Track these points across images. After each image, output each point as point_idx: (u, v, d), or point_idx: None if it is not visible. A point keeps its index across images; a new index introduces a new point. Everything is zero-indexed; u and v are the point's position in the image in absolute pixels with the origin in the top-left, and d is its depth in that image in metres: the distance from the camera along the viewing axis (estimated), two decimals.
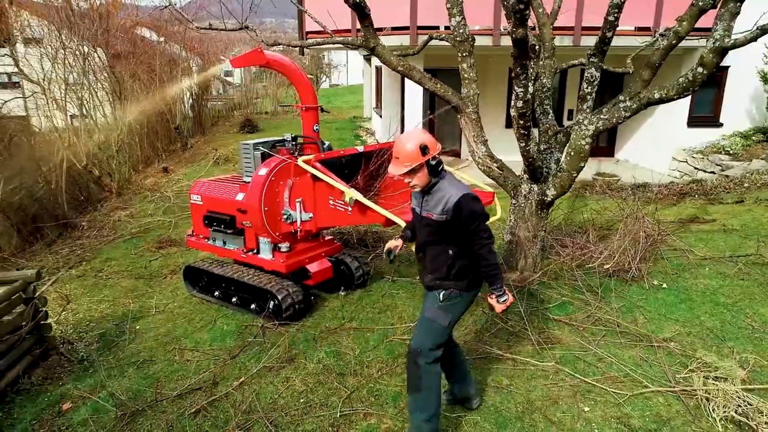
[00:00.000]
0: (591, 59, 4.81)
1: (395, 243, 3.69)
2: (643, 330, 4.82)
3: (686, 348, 4.49)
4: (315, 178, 4.71)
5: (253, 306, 5.28)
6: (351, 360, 4.44)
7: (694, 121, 11.66)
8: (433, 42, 5.97)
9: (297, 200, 4.98)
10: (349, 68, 48.81)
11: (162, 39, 19.31)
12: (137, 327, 5.24)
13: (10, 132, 8.95)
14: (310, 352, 4.58)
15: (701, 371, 4.08)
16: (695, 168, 11.04)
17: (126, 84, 14.68)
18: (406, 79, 11.49)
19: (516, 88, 4.49)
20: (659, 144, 11.99)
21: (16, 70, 14.14)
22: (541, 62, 5.76)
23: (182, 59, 19.22)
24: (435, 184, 3.19)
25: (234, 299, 5.45)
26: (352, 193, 4.20)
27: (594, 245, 6.16)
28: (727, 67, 11.36)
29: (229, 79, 36.22)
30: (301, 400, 3.95)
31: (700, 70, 4.26)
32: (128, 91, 14.65)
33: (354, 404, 3.89)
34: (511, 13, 4.76)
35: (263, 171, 5.11)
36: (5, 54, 10.81)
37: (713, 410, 3.68)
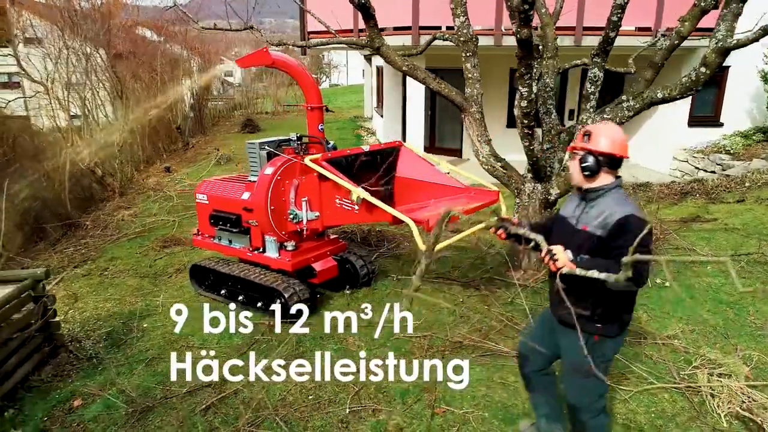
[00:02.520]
0: (594, 59, 4.86)
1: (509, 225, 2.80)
2: (647, 327, 4.86)
3: (690, 345, 4.54)
4: (321, 177, 4.75)
5: (259, 304, 5.31)
6: (357, 357, 4.47)
7: (694, 121, 11.70)
8: (436, 42, 6.02)
9: (303, 199, 5.02)
10: (349, 68, 48.90)
11: (161, 39, 19.36)
12: (145, 325, 5.27)
13: (14, 132, 8.96)
14: (319, 350, 4.61)
15: (705, 368, 4.13)
16: (696, 168, 11.08)
17: (127, 84, 14.73)
18: (407, 79, 11.58)
19: (520, 87, 4.53)
20: (659, 144, 12.03)
21: (16, 69, 14.25)
22: (544, 62, 5.80)
23: (183, 59, 19.29)
24: (601, 192, 2.70)
25: (240, 297, 5.48)
26: (359, 192, 4.24)
27: None
28: (727, 67, 11.40)
29: (229, 79, 36.32)
30: (310, 397, 4.00)
31: (703, 69, 4.31)
32: (129, 91, 14.69)
33: (362, 401, 3.93)
34: (515, 14, 4.81)
35: (269, 170, 5.15)
36: (9, 54, 10.83)
37: (718, 406, 3.73)
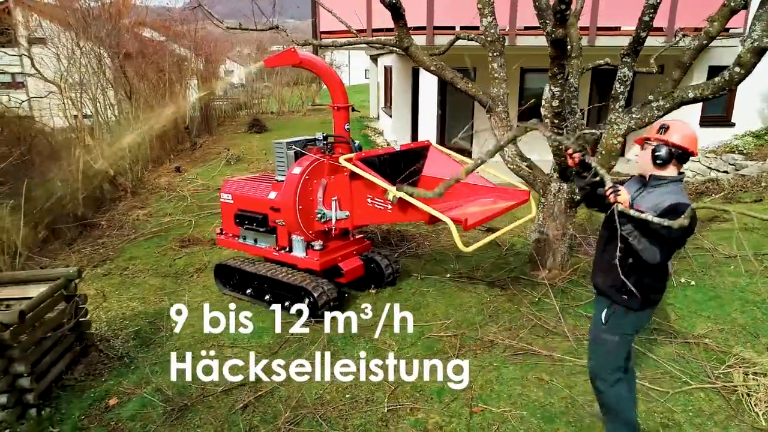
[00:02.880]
0: (624, 59, 4.87)
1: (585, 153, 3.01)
2: (676, 326, 4.88)
3: (721, 344, 4.55)
4: (352, 176, 4.76)
5: (287, 303, 5.32)
6: (390, 356, 4.48)
7: (706, 121, 11.73)
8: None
9: (333, 199, 5.02)
10: (351, 68, 48.86)
11: (164, 38, 19.31)
12: (172, 324, 5.26)
13: (31, 132, 8.97)
14: (350, 349, 4.63)
15: (740, 367, 4.14)
16: (708, 167, 11.10)
17: (135, 84, 14.72)
18: (420, 79, 11.60)
19: (552, 87, 4.54)
20: None
21: (20, 69, 14.24)
22: (568, 62, 5.80)
23: (189, 60, 19.26)
24: (661, 183, 2.91)
25: (267, 297, 5.49)
26: (395, 192, 4.25)
27: None
28: None
29: (230, 78, 36.29)
30: (347, 396, 4.00)
31: (737, 69, 4.32)
32: (138, 92, 14.69)
33: (399, 399, 3.94)
34: (543, 13, 4.82)
35: (297, 170, 5.16)
36: (22, 54, 10.83)
37: (755, 405, 3.74)
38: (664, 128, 2.92)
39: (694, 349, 4.49)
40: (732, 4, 4.62)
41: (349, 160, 4.55)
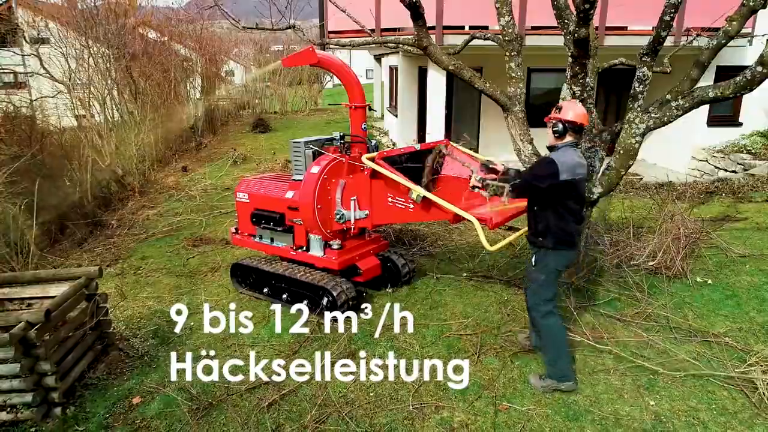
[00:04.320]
0: (643, 58, 4.87)
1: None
2: (695, 324, 4.89)
3: (741, 342, 4.56)
4: (373, 175, 4.76)
5: (305, 302, 5.32)
6: (412, 355, 4.50)
7: (713, 121, 11.72)
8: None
9: (352, 198, 5.03)
10: (352, 67, 48.83)
11: (167, 39, 19.30)
12: (191, 323, 5.28)
13: (42, 132, 8.98)
14: (371, 347, 4.64)
15: (760, 365, 4.15)
16: (716, 167, 11.11)
17: (141, 85, 14.73)
18: (428, 78, 11.61)
19: (573, 87, 4.55)
20: (678, 143, 12.05)
21: (25, 70, 14.25)
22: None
23: (194, 61, 19.29)
24: (555, 149, 3.85)
25: (285, 296, 5.50)
26: (419, 191, 4.26)
27: (633, 242, 6.23)
28: (747, 67, 11.43)
29: (231, 78, 36.27)
30: (371, 394, 4.01)
31: (760, 69, 4.34)
32: (144, 92, 14.69)
33: (423, 398, 3.95)
34: (570, 13, 4.83)
35: (315, 169, 5.16)
36: (31, 53, 10.84)
37: None
38: (558, 108, 3.85)
39: (714, 348, 4.50)
40: (751, 3, 4.64)
41: (371, 159, 4.56)
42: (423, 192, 4.24)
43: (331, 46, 5.82)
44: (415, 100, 14.79)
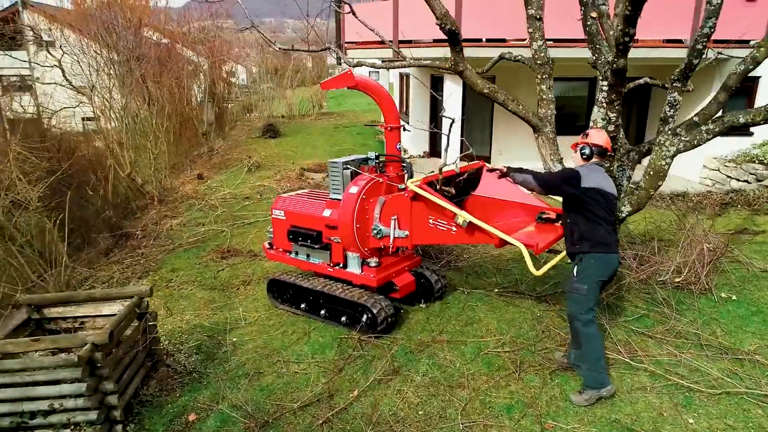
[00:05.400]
0: (674, 84, 5.04)
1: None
2: (724, 341, 5.05)
3: None
4: (414, 197, 4.92)
5: (343, 319, 5.48)
6: (454, 373, 4.66)
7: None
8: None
9: (392, 218, 5.18)
10: (355, 71, 48.83)
11: (177, 44, 19.45)
12: (234, 339, 5.43)
13: (71, 144, 9.13)
14: (413, 365, 4.80)
15: None
16: (728, 177, 11.28)
17: (154, 92, 14.87)
18: (445, 89, 11.76)
19: (609, 113, 4.71)
20: (690, 152, 12.18)
21: (32, 75, 14.42)
22: None
23: (203, 68, 19.43)
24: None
25: (322, 312, 5.65)
26: (465, 216, 4.41)
27: (657, 258, 6.39)
28: (758, 77, 11.63)
29: (232, 80, 36.41)
30: (420, 412, 4.17)
31: None
32: (157, 99, 14.83)
33: (471, 416, 4.11)
34: (601, 39, 4.98)
35: (354, 189, 5.32)
36: (53, 65, 10.98)
37: None
38: (585, 135, 4.37)
39: (746, 365, 4.66)
40: None
41: (419, 186, 4.71)
42: (469, 217, 4.39)
43: (362, 65, 5.94)
44: (428, 109, 14.95)
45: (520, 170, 4.47)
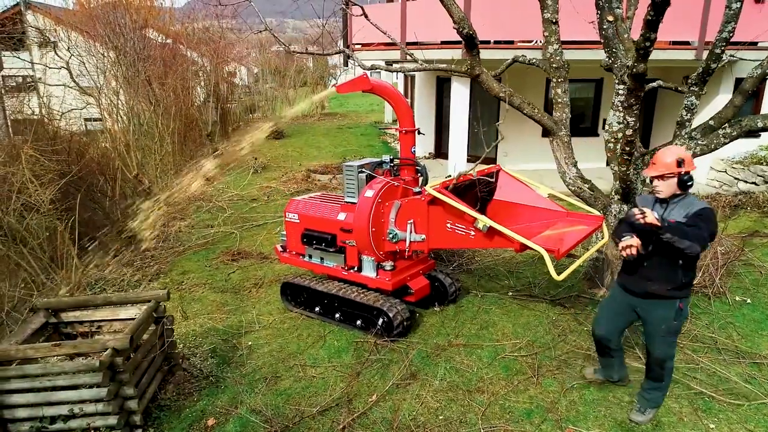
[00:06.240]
0: (692, 88, 5.03)
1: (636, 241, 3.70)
2: (741, 346, 5.04)
3: None
4: (431, 201, 4.91)
5: (358, 322, 5.47)
6: (472, 377, 4.66)
7: None
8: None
9: (408, 222, 5.18)
10: (357, 70, 48.94)
11: (180, 45, 19.43)
12: (249, 343, 5.42)
13: (80, 146, 9.12)
14: (431, 369, 4.79)
15: None
16: (735, 178, 11.28)
17: (158, 93, 14.86)
18: (451, 89, 11.75)
19: (627, 117, 4.71)
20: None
21: (38, 76, 14.40)
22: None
23: (208, 70, 19.41)
24: (681, 197, 3.75)
25: (337, 315, 5.64)
26: (485, 221, 4.41)
27: None
28: (766, 79, 11.62)
29: (235, 80, 36.37)
30: (440, 417, 4.16)
31: None
32: (161, 100, 14.82)
33: (491, 421, 4.10)
34: (617, 42, 4.98)
35: (370, 193, 5.31)
36: (62, 66, 10.98)
37: None
38: (681, 161, 3.68)
39: (765, 370, 4.66)
40: None
41: (438, 191, 4.71)
42: (489, 222, 4.39)
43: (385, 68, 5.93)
44: (433, 110, 14.94)
45: (669, 228, 3.48)
